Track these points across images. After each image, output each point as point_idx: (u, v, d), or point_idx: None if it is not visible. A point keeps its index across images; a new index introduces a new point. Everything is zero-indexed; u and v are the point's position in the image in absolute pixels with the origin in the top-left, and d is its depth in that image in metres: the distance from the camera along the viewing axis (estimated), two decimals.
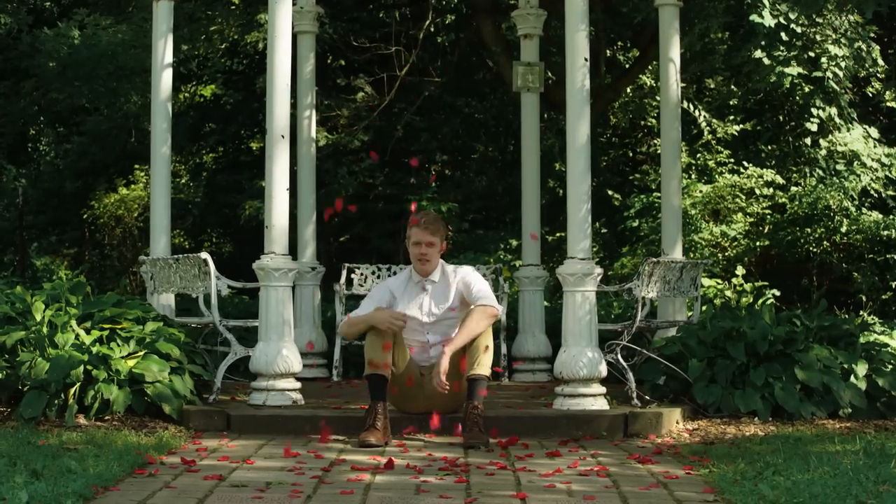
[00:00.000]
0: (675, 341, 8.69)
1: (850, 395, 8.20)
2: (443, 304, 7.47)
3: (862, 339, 8.72)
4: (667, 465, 6.44)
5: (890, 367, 8.45)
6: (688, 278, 9.19)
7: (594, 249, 12.43)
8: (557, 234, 15.90)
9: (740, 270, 12.89)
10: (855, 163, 14.02)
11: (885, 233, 13.19)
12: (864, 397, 8.25)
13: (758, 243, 13.58)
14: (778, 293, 12.67)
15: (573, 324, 7.78)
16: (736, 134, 14.85)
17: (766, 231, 13.83)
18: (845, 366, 8.29)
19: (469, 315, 7.25)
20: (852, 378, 8.26)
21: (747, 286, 12.51)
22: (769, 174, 13.88)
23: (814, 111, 13.96)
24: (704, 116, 14.75)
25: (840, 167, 14.07)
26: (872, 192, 13.95)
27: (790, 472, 5.97)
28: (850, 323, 8.91)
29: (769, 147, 14.75)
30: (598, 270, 7.85)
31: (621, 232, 14.66)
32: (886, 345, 8.91)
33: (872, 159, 14.04)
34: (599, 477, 6.05)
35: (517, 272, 10.82)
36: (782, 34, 12.56)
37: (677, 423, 7.93)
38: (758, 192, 13.84)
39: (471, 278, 7.46)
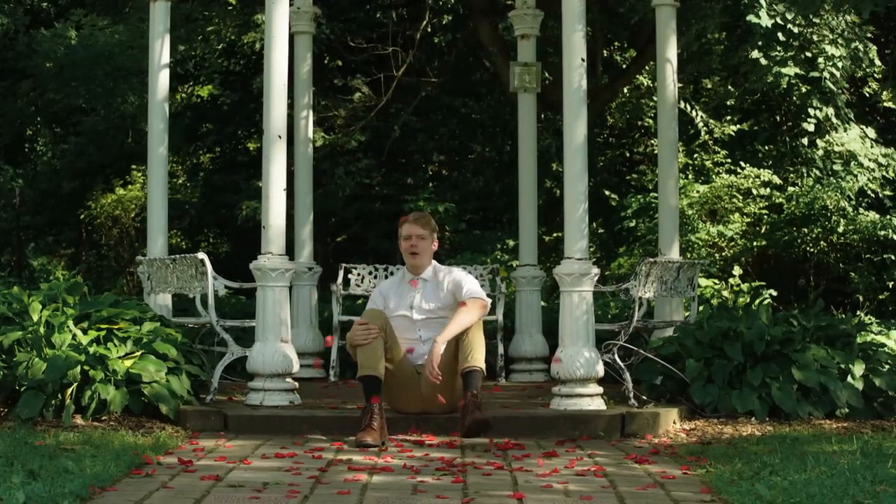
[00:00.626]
0: (672, 341, 8.69)
1: (847, 395, 8.20)
2: (433, 302, 7.51)
3: (859, 340, 8.72)
4: (664, 465, 6.44)
5: (887, 367, 8.45)
6: (685, 278, 9.19)
7: (591, 249, 12.45)
8: (554, 235, 15.91)
9: (737, 270, 12.89)
10: (852, 163, 14.03)
11: (882, 233, 13.20)
12: (861, 397, 8.25)
13: (755, 243, 13.58)
14: (775, 293, 12.67)
15: (570, 324, 7.79)
16: (733, 134, 14.86)
17: (763, 231, 13.84)
18: (842, 366, 8.28)
19: (460, 308, 7.30)
20: (849, 378, 8.26)
21: (744, 286, 12.51)
22: (766, 174, 13.89)
23: (811, 111, 13.96)
24: (701, 117, 14.76)
25: (837, 167, 14.07)
26: (869, 192, 13.96)
27: (787, 473, 5.97)
28: (847, 323, 8.91)
29: (766, 147, 14.76)
30: (595, 270, 7.86)
31: (618, 232, 14.66)
32: (883, 345, 8.91)
33: (869, 159, 14.05)
34: (596, 477, 6.06)
35: (514, 272, 10.83)
36: (779, 34, 12.57)
37: (674, 423, 7.93)
38: (755, 192, 13.85)
39: (462, 279, 7.51)
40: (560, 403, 7.78)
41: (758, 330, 8.34)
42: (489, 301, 7.50)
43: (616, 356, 8.38)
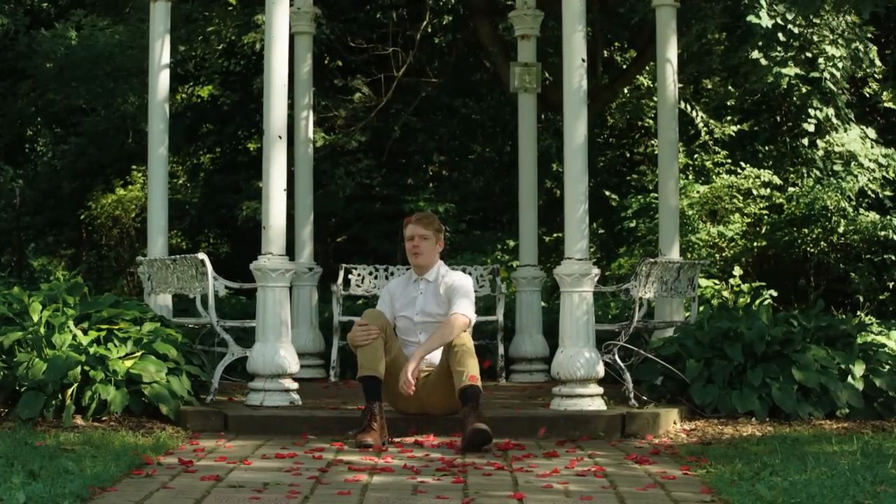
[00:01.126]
0: (673, 342, 8.69)
1: (847, 396, 8.19)
2: (433, 306, 7.45)
3: (859, 340, 8.72)
4: (664, 466, 6.44)
5: (887, 367, 8.45)
6: (685, 279, 9.19)
7: (591, 250, 12.43)
8: (555, 235, 15.90)
9: (738, 271, 12.89)
10: (852, 163, 14.03)
11: (883, 233, 13.20)
12: (862, 398, 8.25)
13: (755, 244, 13.58)
14: (775, 293, 12.67)
15: (570, 324, 7.78)
16: (733, 134, 14.86)
17: (763, 231, 13.84)
18: (842, 366, 8.28)
19: (441, 323, 7.26)
20: (849, 378, 8.26)
21: (744, 287, 12.51)
22: (766, 175, 13.89)
23: (811, 112, 13.96)
24: (702, 117, 14.76)
25: (837, 168, 14.08)
26: (869, 192, 13.96)
27: (787, 473, 5.97)
28: (847, 323, 8.91)
29: (766, 147, 14.76)
30: (596, 271, 7.86)
31: (618, 232, 14.66)
32: (884, 345, 8.90)
33: (870, 160, 14.05)
34: (597, 477, 6.05)
35: (514, 272, 10.83)
36: (779, 35, 12.55)
37: (674, 423, 7.93)
38: (755, 192, 13.85)
39: (457, 284, 7.41)
40: (560, 404, 7.78)
41: (758, 330, 8.34)
42: (471, 319, 7.34)
43: (616, 356, 8.38)
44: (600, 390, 7.86)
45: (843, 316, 10.78)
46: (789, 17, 12.24)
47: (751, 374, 8.18)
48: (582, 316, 7.78)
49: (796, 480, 5.75)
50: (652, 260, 8.79)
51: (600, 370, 7.83)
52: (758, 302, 9.45)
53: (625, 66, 15.46)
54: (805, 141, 14.25)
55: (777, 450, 6.79)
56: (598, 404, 7.79)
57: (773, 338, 8.32)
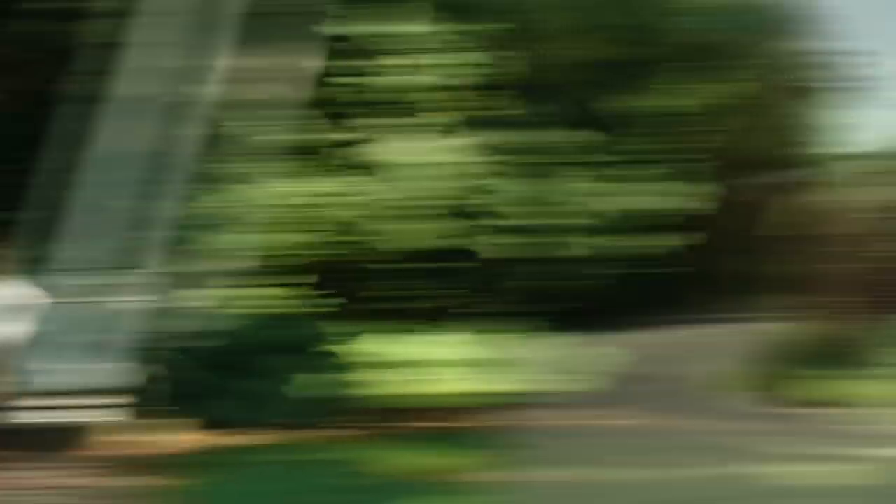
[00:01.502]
0: (175, 355, 8.61)
1: (293, 404, 8.28)
2: None
3: (328, 348, 8.81)
4: (125, 477, 6.45)
5: (338, 374, 8.59)
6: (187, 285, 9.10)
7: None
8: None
9: (287, 279, 12.83)
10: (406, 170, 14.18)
11: (431, 243, 13.36)
12: (308, 405, 8.34)
13: (307, 252, 13.50)
14: (338, 301, 12.61)
15: (56, 335, 7.68)
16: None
17: (320, 240, 13.76)
18: (296, 374, 8.38)
19: None
20: (299, 386, 8.34)
21: (285, 293, 12.49)
22: (319, 184, 13.85)
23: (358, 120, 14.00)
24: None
25: (393, 174, 14.19)
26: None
27: (227, 482, 6.09)
28: (316, 330, 8.96)
29: (320, 155, 14.69)
30: (86, 281, 7.81)
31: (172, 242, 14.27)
32: (334, 354, 8.98)
33: (444, 166, 14.31)
34: (49, 490, 5.98)
35: None
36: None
37: (153, 434, 7.87)
38: (309, 201, 13.74)
39: None
40: (37, 416, 7.65)
41: (227, 340, 8.35)
42: None
43: (119, 367, 8.26)
44: (93, 401, 7.82)
45: (361, 324, 10.92)
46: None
47: (210, 385, 8.12)
48: (74, 327, 7.70)
49: (233, 490, 5.89)
50: (162, 270, 8.72)
51: (98, 380, 7.77)
52: (240, 311, 9.35)
53: None
54: (357, 149, 14.34)
55: (219, 461, 6.85)
56: (83, 415, 7.74)
57: (243, 346, 8.31)
